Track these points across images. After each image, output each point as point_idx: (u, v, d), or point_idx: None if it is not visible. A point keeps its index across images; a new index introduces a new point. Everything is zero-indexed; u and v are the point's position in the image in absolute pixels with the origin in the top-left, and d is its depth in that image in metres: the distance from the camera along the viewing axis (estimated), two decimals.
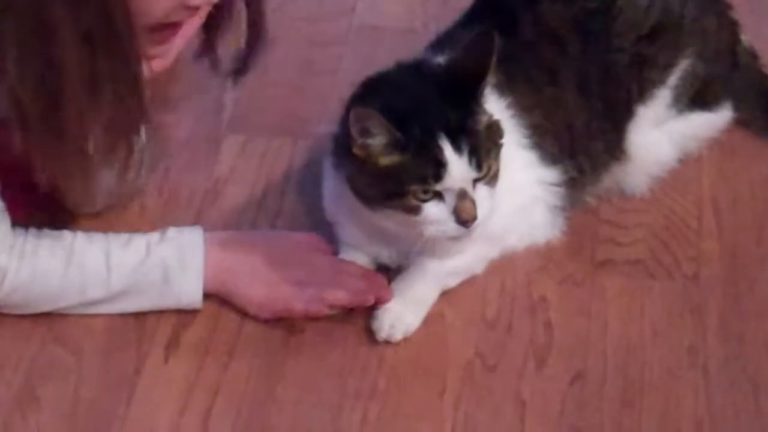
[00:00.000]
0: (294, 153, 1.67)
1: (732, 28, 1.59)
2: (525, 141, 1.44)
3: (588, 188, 1.53)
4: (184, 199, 1.61)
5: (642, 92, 1.52)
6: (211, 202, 1.60)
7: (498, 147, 1.34)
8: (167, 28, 1.32)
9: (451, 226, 1.32)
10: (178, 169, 1.64)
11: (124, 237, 1.45)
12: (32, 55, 1.23)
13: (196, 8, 1.31)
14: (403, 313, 1.43)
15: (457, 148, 1.30)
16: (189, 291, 1.45)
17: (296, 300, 1.43)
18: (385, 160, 1.33)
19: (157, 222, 1.55)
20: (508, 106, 1.41)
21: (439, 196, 1.32)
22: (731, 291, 1.47)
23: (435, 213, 1.32)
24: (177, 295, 1.45)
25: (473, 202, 1.31)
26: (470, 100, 1.32)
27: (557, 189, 1.47)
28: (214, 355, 1.43)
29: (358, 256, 1.48)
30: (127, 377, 1.41)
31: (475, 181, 1.32)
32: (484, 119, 1.34)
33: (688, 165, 1.59)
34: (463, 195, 1.31)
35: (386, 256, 1.46)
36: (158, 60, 1.35)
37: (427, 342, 1.43)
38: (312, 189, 1.60)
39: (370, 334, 1.43)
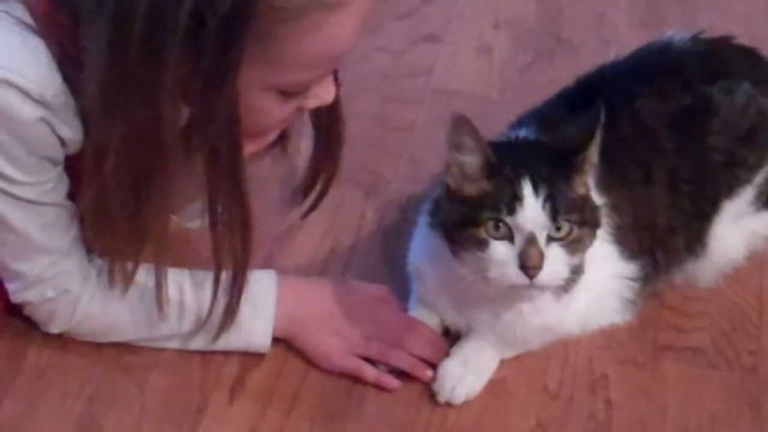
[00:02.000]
0: (365, 207, 1.69)
1: None
2: (609, 236, 1.46)
3: (660, 283, 1.55)
4: (255, 242, 1.63)
5: (730, 189, 1.54)
6: (282, 248, 1.63)
7: (587, 222, 1.35)
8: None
9: (514, 270, 1.33)
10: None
11: (199, 275, 1.46)
12: (135, 159, 1.25)
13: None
14: (465, 377, 1.46)
15: (536, 191, 1.32)
16: (258, 336, 1.47)
17: (366, 366, 1.46)
18: (471, 188, 1.35)
19: None
20: (603, 206, 1.43)
21: (510, 238, 1.33)
22: None
23: (502, 252, 1.33)
24: (246, 339, 1.47)
25: (542, 254, 1.32)
26: (568, 164, 1.35)
27: (632, 283, 1.49)
28: (278, 401, 1.45)
29: (428, 316, 1.51)
30: (189, 415, 1.43)
31: (551, 238, 1.33)
32: (579, 189, 1.36)
33: (751, 259, 1.61)
34: (532, 241, 1.32)
35: (455, 319, 1.48)
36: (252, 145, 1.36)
37: (489, 408, 1.45)
38: (382, 243, 1.65)
39: (433, 395, 1.45)
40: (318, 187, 1.51)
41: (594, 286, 1.45)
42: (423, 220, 1.48)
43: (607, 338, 1.52)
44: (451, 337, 1.50)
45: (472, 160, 1.35)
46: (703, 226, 1.55)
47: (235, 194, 1.30)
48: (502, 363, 1.49)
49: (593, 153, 1.36)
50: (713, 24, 1.91)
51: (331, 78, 1.31)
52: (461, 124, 1.34)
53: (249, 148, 1.34)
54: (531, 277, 1.32)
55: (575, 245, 1.35)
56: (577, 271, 1.40)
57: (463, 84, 1.87)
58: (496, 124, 1.62)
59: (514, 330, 1.44)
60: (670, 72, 1.56)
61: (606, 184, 1.46)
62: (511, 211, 1.32)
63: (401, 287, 1.55)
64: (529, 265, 1.32)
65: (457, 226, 1.36)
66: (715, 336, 1.54)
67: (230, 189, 1.29)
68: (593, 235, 1.37)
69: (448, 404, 1.45)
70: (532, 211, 1.32)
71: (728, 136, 1.53)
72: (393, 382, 1.46)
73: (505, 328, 1.44)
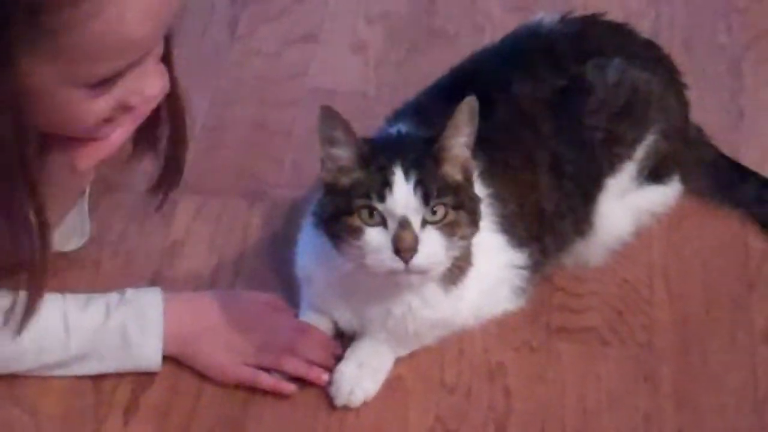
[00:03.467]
0: (250, 214, 1.67)
1: (686, 105, 1.64)
2: (495, 226, 1.46)
3: (550, 267, 1.55)
4: (140, 260, 1.61)
5: (611, 166, 1.55)
6: (169, 264, 1.60)
7: (463, 206, 1.35)
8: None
9: (388, 255, 1.32)
10: (134, 230, 1.64)
11: (82, 298, 1.44)
12: None
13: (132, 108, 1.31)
14: (361, 378, 1.44)
15: (406, 176, 1.32)
16: (148, 355, 1.44)
17: (262, 374, 1.44)
18: (345, 179, 1.35)
19: (114, 283, 1.54)
20: (488, 196, 1.44)
21: (384, 224, 1.33)
22: (683, 359, 1.50)
23: (376, 239, 1.32)
24: (136, 358, 1.44)
25: (415, 237, 1.31)
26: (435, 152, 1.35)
27: (522, 271, 1.49)
28: (174, 418, 1.43)
29: (319, 319, 1.49)
30: None
31: (426, 222, 1.33)
32: (452, 176, 1.35)
33: (638, 234, 1.62)
34: (404, 224, 1.32)
35: (347, 320, 1.47)
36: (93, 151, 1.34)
37: (387, 407, 1.44)
38: (269, 250, 1.62)
39: (330, 398, 1.44)
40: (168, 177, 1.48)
41: (484, 276, 1.45)
42: (307, 222, 1.47)
43: (500, 326, 1.52)
44: (345, 340, 1.48)
45: (344, 152, 1.35)
46: (589, 205, 1.55)
47: (27, 190, 1.27)
48: (398, 361, 1.48)
49: (458, 143, 1.35)
50: (588, 2, 1.93)
51: (152, 71, 1.28)
52: (330, 116, 1.34)
53: (92, 154, 1.33)
54: (406, 261, 1.32)
55: (452, 228, 1.34)
56: (464, 264, 1.40)
57: (340, 82, 1.85)
58: (375, 121, 1.61)
59: (405, 326, 1.43)
60: (542, 55, 1.56)
61: (489, 174, 1.46)
62: (382, 197, 1.32)
63: (291, 293, 1.53)
64: (403, 248, 1.31)
65: (333, 217, 1.36)
66: (608, 314, 1.55)
67: (22, 185, 1.27)
68: (472, 223, 1.36)
69: (346, 407, 1.43)
70: (403, 195, 1.31)
71: (604, 113, 1.53)
72: (289, 386, 1.44)
73: (397, 324, 1.43)
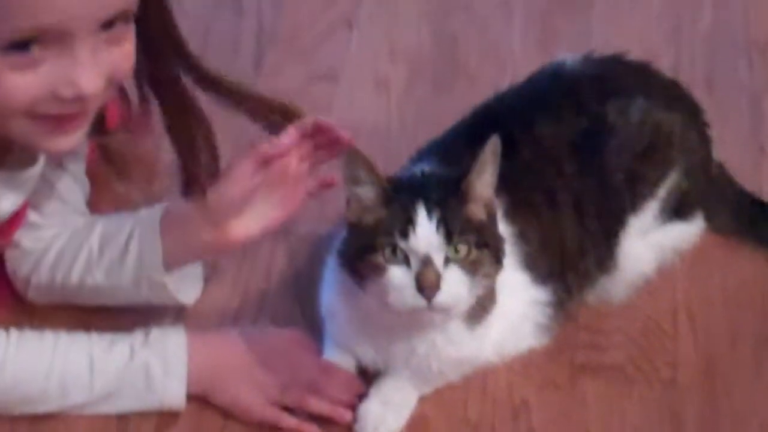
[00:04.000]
0: (274, 250, 1.68)
1: (708, 143, 1.65)
2: (519, 264, 1.46)
3: (574, 304, 1.55)
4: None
5: (634, 204, 1.55)
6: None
7: (486, 245, 1.35)
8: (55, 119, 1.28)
9: (411, 293, 1.33)
10: None
11: (107, 339, 1.45)
12: None
13: (72, 101, 1.26)
14: (386, 416, 1.44)
15: (429, 214, 1.33)
16: (172, 395, 1.45)
17: (285, 416, 1.45)
18: (369, 218, 1.36)
19: (139, 317, 1.54)
20: (511, 235, 1.44)
21: (407, 263, 1.33)
22: (708, 396, 1.49)
23: (398, 276, 1.33)
24: (160, 399, 1.45)
25: (438, 274, 1.32)
26: (459, 192, 1.36)
27: (546, 309, 1.49)
28: None
29: (343, 356, 1.49)
30: None
31: (449, 260, 1.33)
32: (476, 214, 1.36)
33: (661, 271, 1.62)
34: (427, 262, 1.32)
35: (370, 357, 1.47)
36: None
37: None
38: (293, 286, 1.63)
39: None
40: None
41: (507, 314, 1.45)
42: (332, 260, 1.48)
43: (525, 363, 1.52)
44: (369, 377, 1.48)
45: (367, 192, 1.36)
46: (612, 243, 1.55)
47: None
48: (422, 398, 1.47)
49: (482, 183, 1.36)
50: (608, 39, 1.94)
51: (86, 62, 1.23)
52: (354, 156, 1.35)
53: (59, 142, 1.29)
54: (428, 298, 1.32)
55: (475, 266, 1.35)
56: (488, 301, 1.40)
57: (363, 119, 1.86)
58: (398, 158, 1.63)
59: (429, 364, 1.43)
60: (565, 95, 1.57)
61: (513, 212, 1.46)
62: (404, 235, 1.32)
63: (315, 329, 1.53)
64: (425, 286, 1.32)
65: (356, 255, 1.37)
66: (632, 351, 1.54)
67: None
68: (496, 261, 1.37)
69: None
70: (425, 233, 1.32)
71: (627, 154, 1.54)
72: (311, 428, 1.44)
73: (421, 362, 1.43)
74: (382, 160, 1.72)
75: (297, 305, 1.60)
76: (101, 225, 1.53)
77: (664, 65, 1.80)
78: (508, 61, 1.95)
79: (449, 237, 1.33)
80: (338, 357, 1.50)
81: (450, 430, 1.46)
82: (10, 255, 1.52)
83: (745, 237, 1.67)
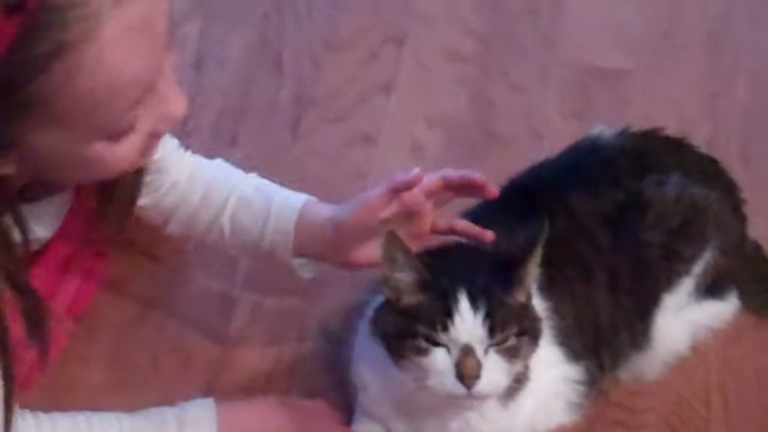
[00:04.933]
0: (306, 316, 1.68)
1: (744, 220, 1.64)
2: (552, 339, 1.46)
3: (605, 381, 1.55)
4: (198, 358, 1.62)
5: (668, 281, 1.55)
6: (226, 363, 1.62)
7: (526, 332, 1.35)
8: None
9: (451, 380, 1.32)
10: (192, 328, 1.66)
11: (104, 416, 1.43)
12: None
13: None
14: None
15: (474, 306, 1.32)
16: None
17: None
18: (408, 299, 1.35)
19: (172, 383, 1.58)
20: (546, 309, 1.44)
21: (446, 347, 1.33)
22: None
23: (440, 361, 1.33)
24: None
25: (478, 363, 1.32)
26: (508, 274, 1.35)
27: (578, 386, 1.49)
28: None
29: (374, 428, 1.49)
30: None
31: (489, 348, 1.33)
32: (519, 299, 1.35)
33: (695, 351, 1.61)
34: (468, 351, 1.32)
35: (402, 430, 1.47)
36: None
37: None
38: (325, 352, 1.63)
39: None
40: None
41: (540, 390, 1.45)
42: (365, 329, 1.48)
43: None
44: None
45: (406, 276, 1.35)
46: (645, 320, 1.55)
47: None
48: None
49: (535, 266, 1.36)
50: (645, 111, 1.94)
51: (169, 94, 1.24)
52: (393, 241, 1.35)
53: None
54: (468, 387, 1.32)
55: (514, 352, 1.35)
56: (522, 378, 1.40)
57: None
58: None
59: None
60: (601, 169, 1.57)
61: (547, 287, 1.46)
62: (445, 327, 1.32)
63: (347, 396, 1.53)
64: (466, 375, 1.32)
65: (394, 336, 1.36)
66: (664, 431, 1.54)
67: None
68: (534, 345, 1.37)
69: None
70: (468, 326, 1.31)
71: (662, 230, 1.53)
72: None
73: None
74: None
75: (329, 371, 1.60)
76: (233, 204, 1.56)
77: (700, 138, 1.80)
78: (545, 129, 1.95)
79: (492, 331, 1.32)
80: (369, 427, 1.50)
81: None
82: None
83: None
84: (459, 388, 1.32)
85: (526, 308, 1.37)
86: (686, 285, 1.56)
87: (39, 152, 1.20)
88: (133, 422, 1.44)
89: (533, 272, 1.36)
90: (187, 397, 1.50)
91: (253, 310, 1.69)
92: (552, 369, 1.47)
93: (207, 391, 1.55)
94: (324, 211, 1.54)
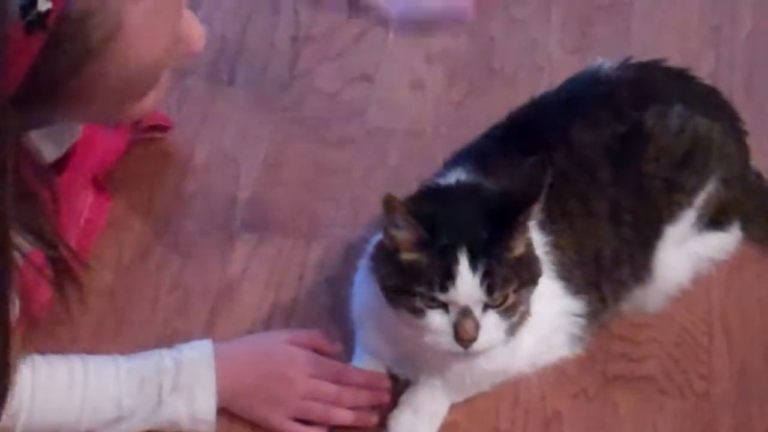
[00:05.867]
0: (307, 253, 1.67)
1: (747, 152, 1.63)
2: (553, 273, 1.45)
3: (607, 315, 1.54)
4: (197, 297, 1.61)
5: (671, 213, 1.53)
6: (225, 302, 1.61)
7: (525, 284, 1.34)
8: None
9: (448, 341, 1.32)
10: (192, 266, 1.65)
11: (136, 380, 1.42)
12: None
13: None
14: (416, 425, 1.44)
15: (473, 267, 1.30)
16: (203, 409, 1.44)
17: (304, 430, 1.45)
18: (407, 256, 1.33)
19: (171, 322, 1.58)
20: (546, 244, 1.43)
21: (445, 308, 1.32)
22: (742, 410, 1.48)
23: (437, 322, 1.32)
24: (191, 412, 1.44)
25: (476, 324, 1.31)
26: (508, 227, 1.32)
27: (579, 320, 1.48)
28: None
29: (373, 363, 1.49)
30: None
31: (487, 306, 1.32)
32: (519, 249, 1.33)
33: (697, 282, 1.60)
34: (466, 313, 1.31)
35: (401, 367, 1.47)
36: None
37: None
38: (325, 290, 1.62)
39: None
40: None
41: (541, 324, 1.44)
42: (365, 265, 1.47)
43: (557, 373, 1.50)
44: (400, 383, 1.48)
45: (404, 234, 1.33)
46: (648, 253, 1.53)
47: None
48: (453, 406, 1.47)
49: (536, 213, 1.34)
50: (646, 44, 1.92)
51: (186, 31, 1.21)
52: (390, 203, 1.32)
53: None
54: (465, 347, 1.32)
55: (513, 309, 1.34)
56: (523, 314, 1.39)
57: (398, 122, 1.84)
58: (432, 160, 1.62)
59: (463, 378, 1.43)
60: (602, 101, 1.55)
61: (549, 222, 1.45)
62: (444, 288, 1.30)
63: (347, 334, 1.53)
64: (464, 336, 1.31)
65: (393, 290, 1.35)
66: (666, 363, 1.53)
67: None
68: (533, 287, 1.36)
69: None
70: (467, 287, 1.30)
71: (665, 161, 1.52)
72: None
73: (454, 376, 1.43)
74: (417, 162, 1.74)
75: (328, 310, 1.60)
76: None
77: (703, 71, 1.78)
78: (545, 64, 1.93)
79: (491, 290, 1.31)
80: (368, 363, 1.49)
81: None
82: None
83: None
84: (456, 348, 1.32)
85: (526, 257, 1.35)
86: (688, 217, 1.55)
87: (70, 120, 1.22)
88: (130, 364, 1.43)
89: (534, 218, 1.34)
90: (186, 338, 1.50)
91: (253, 250, 1.68)
92: (553, 303, 1.46)
93: (206, 332, 1.55)
94: None
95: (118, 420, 1.41)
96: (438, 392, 1.45)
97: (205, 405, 1.43)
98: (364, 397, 1.46)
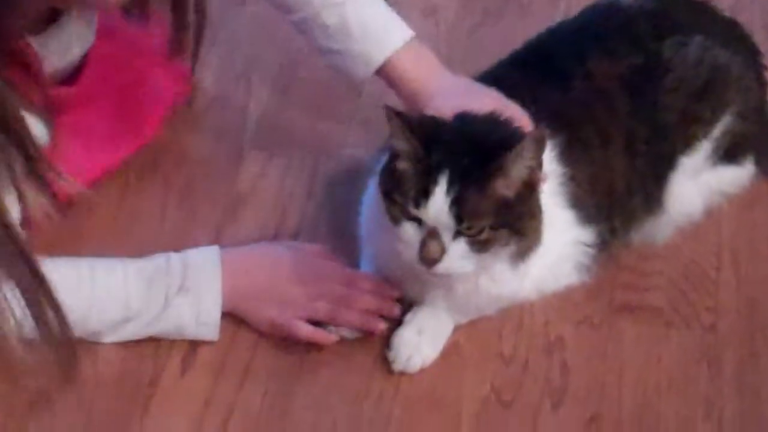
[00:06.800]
0: (315, 172, 1.66)
1: (764, 86, 1.61)
2: (566, 203, 1.44)
3: (617, 246, 1.53)
4: (205, 212, 1.61)
5: (686, 145, 1.52)
6: (232, 218, 1.60)
7: (505, 226, 1.32)
8: None
9: (413, 255, 1.32)
10: (200, 182, 1.64)
11: (144, 279, 1.42)
12: None
13: None
14: (420, 345, 1.44)
15: (448, 189, 1.29)
16: (204, 338, 1.45)
17: (299, 324, 1.44)
18: (401, 164, 1.33)
19: (179, 234, 1.57)
20: (562, 175, 1.42)
21: (419, 222, 1.32)
22: (748, 344, 1.47)
23: (408, 233, 1.32)
24: (192, 338, 1.45)
25: (442, 249, 1.31)
26: (491, 166, 1.30)
27: (589, 249, 1.47)
28: (230, 372, 1.43)
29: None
30: (142, 388, 1.41)
31: (459, 234, 1.31)
32: (502, 191, 1.31)
33: (708, 215, 1.59)
34: (433, 234, 1.31)
35: (406, 287, 1.46)
36: None
37: (443, 374, 1.44)
38: (332, 209, 1.62)
39: (387, 361, 1.43)
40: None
41: (551, 253, 1.43)
42: (372, 182, 1.46)
43: (562, 300, 1.50)
44: (405, 304, 1.47)
45: (403, 145, 1.32)
46: (660, 184, 1.53)
47: None
48: (456, 328, 1.47)
49: (519, 168, 1.30)
50: None
51: None
52: (392, 116, 1.32)
53: None
54: (427, 267, 1.31)
55: (485, 244, 1.32)
56: (534, 240, 1.38)
57: None
58: None
59: (468, 300, 1.42)
60: (620, 31, 1.53)
61: (566, 153, 1.44)
62: (417, 204, 1.30)
63: (353, 253, 1.52)
64: (426, 256, 1.31)
65: (383, 193, 1.35)
66: (673, 294, 1.52)
67: None
68: (519, 239, 1.34)
69: (403, 372, 1.43)
70: (437, 209, 1.29)
71: (682, 92, 1.50)
72: (328, 337, 1.44)
73: (460, 298, 1.42)
74: None
75: (335, 228, 1.59)
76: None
77: (724, 5, 1.76)
78: None
79: (459, 219, 1.30)
80: None
81: (483, 362, 1.45)
82: None
83: None
84: (416, 263, 1.32)
85: (510, 204, 1.32)
86: (704, 148, 1.54)
87: None
88: (138, 266, 1.43)
89: (523, 167, 1.30)
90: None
91: (262, 166, 1.67)
92: (564, 232, 1.45)
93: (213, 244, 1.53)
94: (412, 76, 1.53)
95: (126, 320, 1.41)
96: (443, 313, 1.45)
97: (211, 307, 1.43)
98: (371, 302, 1.45)
